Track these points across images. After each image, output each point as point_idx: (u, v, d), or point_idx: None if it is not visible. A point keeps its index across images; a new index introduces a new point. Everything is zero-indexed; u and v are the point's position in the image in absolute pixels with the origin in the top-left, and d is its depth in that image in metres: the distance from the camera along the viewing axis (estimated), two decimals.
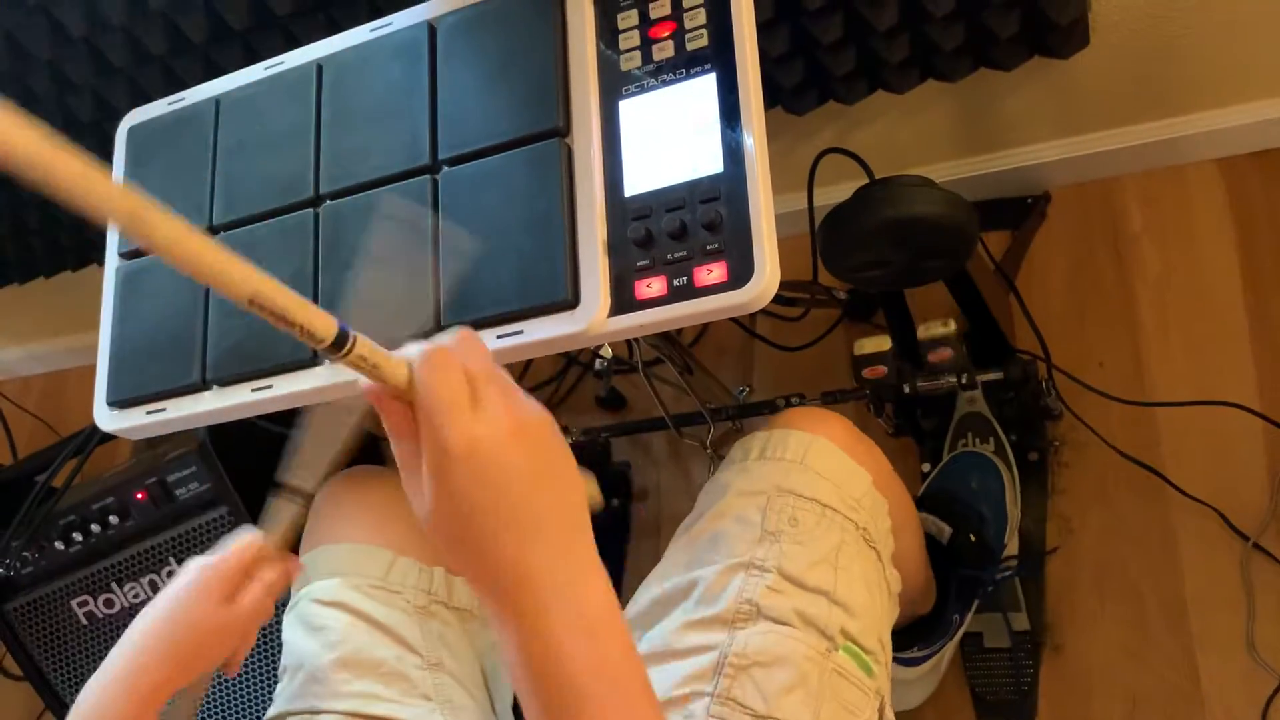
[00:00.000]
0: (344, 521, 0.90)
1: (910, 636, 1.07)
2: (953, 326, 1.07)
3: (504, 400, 0.51)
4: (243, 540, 0.74)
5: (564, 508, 0.53)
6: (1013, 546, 1.16)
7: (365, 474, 0.94)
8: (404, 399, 0.52)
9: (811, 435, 0.80)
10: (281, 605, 0.86)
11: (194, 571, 0.72)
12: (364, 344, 0.50)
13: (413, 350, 0.52)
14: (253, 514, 1.20)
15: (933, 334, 1.07)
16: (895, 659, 1.07)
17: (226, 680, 1.24)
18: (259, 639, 1.22)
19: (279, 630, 0.87)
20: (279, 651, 0.86)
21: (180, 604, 0.71)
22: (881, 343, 1.08)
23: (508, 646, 0.52)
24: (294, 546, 0.79)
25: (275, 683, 0.87)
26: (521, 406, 0.52)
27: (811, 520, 0.76)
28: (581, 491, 0.54)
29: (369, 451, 1.56)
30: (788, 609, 0.72)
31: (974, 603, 1.12)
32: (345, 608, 0.83)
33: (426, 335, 0.78)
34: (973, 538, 1.11)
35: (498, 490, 0.50)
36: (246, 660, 1.23)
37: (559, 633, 0.50)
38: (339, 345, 0.50)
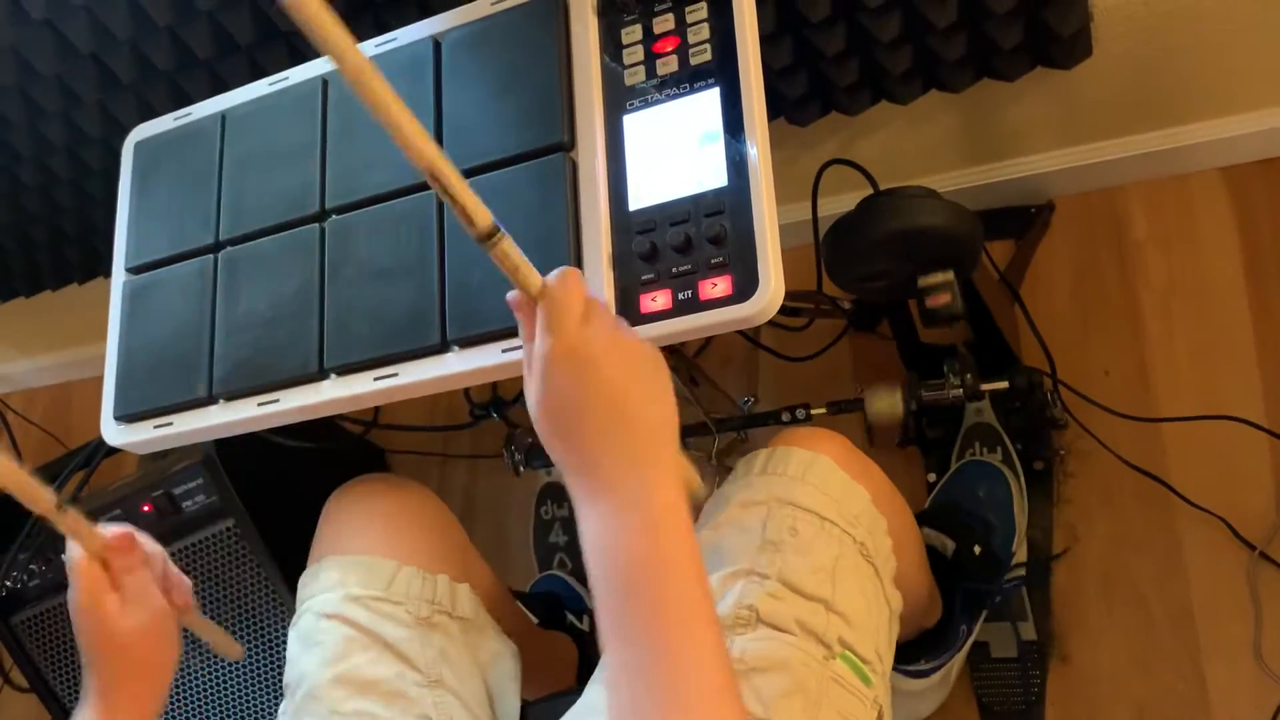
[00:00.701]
0: (348, 532, 0.90)
1: (918, 649, 1.07)
2: (951, 275, 1.04)
3: (609, 322, 0.61)
4: (71, 561, 0.73)
5: (646, 418, 0.60)
6: (1020, 555, 1.15)
7: (370, 483, 0.95)
8: (534, 303, 0.61)
9: (813, 453, 0.80)
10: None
11: (75, 618, 0.73)
12: (509, 243, 0.59)
13: (553, 272, 0.61)
14: (259, 525, 1.20)
15: (931, 281, 1.05)
16: (903, 671, 1.07)
17: (235, 696, 1.24)
18: (262, 655, 1.22)
19: (282, 648, 0.87)
20: (283, 666, 0.87)
21: (89, 648, 0.73)
22: (945, 275, 1.04)
23: (583, 529, 0.59)
24: (293, 544, 0.80)
25: (277, 700, 0.87)
26: (624, 332, 0.62)
27: (811, 531, 0.76)
28: (670, 410, 0.61)
29: (373, 461, 1.57)
30: (787, 616, 0.72)
31: (981, 614, 1.12)
32: (345, 621, 0.83)
33: (430, 350, 0.78)
34: (978, 549, 1.10)
35: (587, 390, 0.58)
36: (254, 675, 1.23)
37: (624, 520, 0.57)
38: (489, 235, 0.59)
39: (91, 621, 0.73)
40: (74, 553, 0.73)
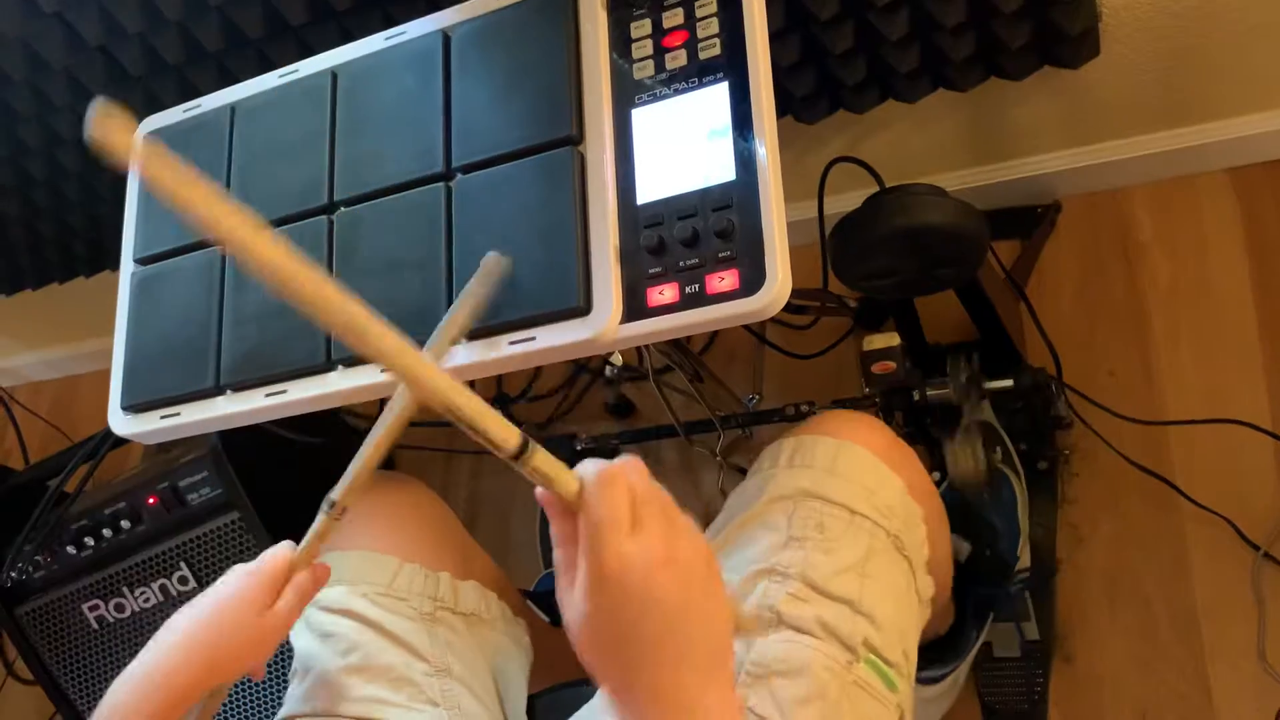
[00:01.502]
0: (350, 528, 0.90)
1: (928, 657, 1.06)
2: (896, 340, 1.06)
3: (662, 527, 0.54)
4: (279, 549, 0.75)
5: (706, 639, 0.54)
6: (1025, 558, 1.15)
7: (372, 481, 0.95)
8: (571, 509, 0.55)
9: (840, 441, 0.79)
10: None
11: (239, 577, 0.73)
12: (542, 455, 0.55)
13: (587, 467, 0.55)
14: (264, 519, 1.20)
15: (874, 346, 1.06)
16: (916, 678, 1.07)
17: (229, 700, 1.24)
18: None
19: (284, 641, 0.87)
20: (287, 655, 0.87)
21: (223, 609, 0.72)
22: (890, 338, 1.06)
23: None
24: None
25: (283, 686, 0.87)
26: (679, 535, 0.55)
27: (839, 527, 0.74)
28: (726, 625, 0.56)
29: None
30: (810, 617, 0.71)
31: (989, 617, 1.12)
32: (353, 615, 0.84)
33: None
34: (987, 552, 1.10)
35: (643, 614, 0.52)
36: (246, 682, 1.23)
37: None
38: (519, 453, 0.55)
39: (248, 595, 0.72)
40: (286, 548, 0.74)
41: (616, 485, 0.54)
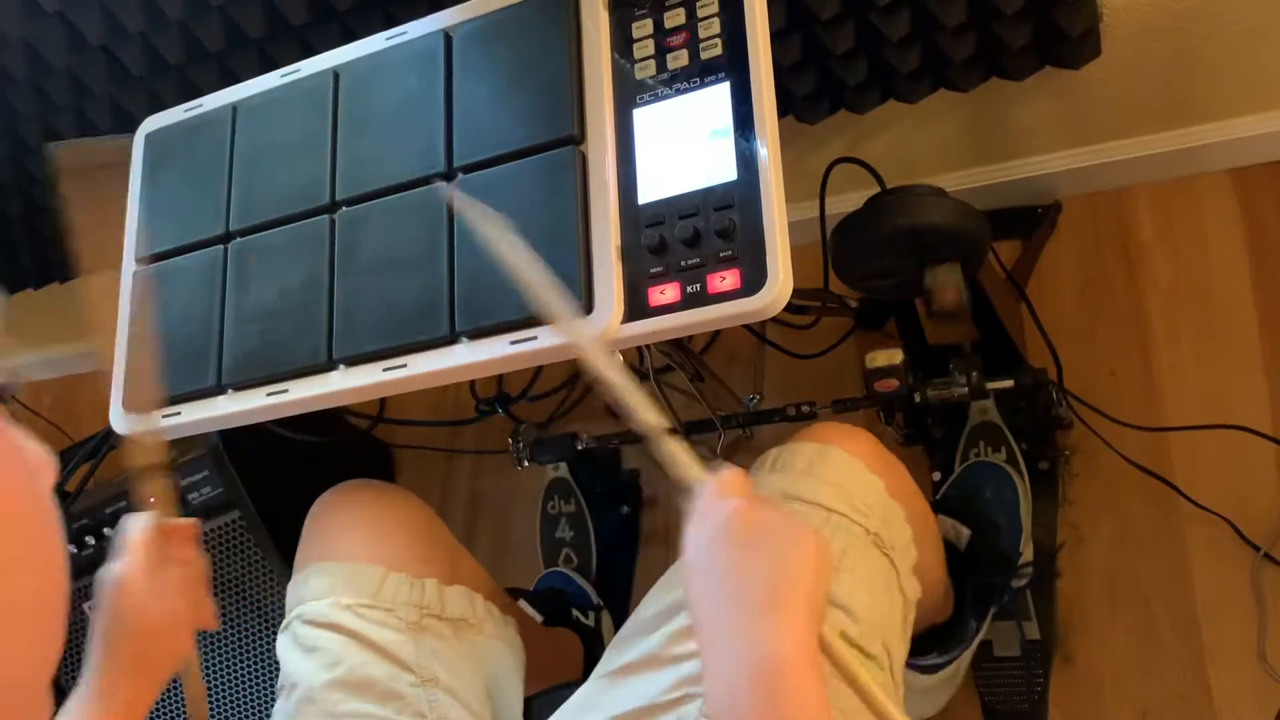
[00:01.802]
0: (335, 538, 0.90)
1: (927, 643, 1.07)
2: (899, 357, 1.07)
3: (764, 500, 0.64)
4: (131, 534, 0.75)
5: (791, 575, 0.58)
6: (1027, 555, 1.15)
7: (356, 489, 0.94)
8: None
9: (823, 446, 0.80)
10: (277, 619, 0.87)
11: (106, 589, 0.74)
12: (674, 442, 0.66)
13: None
14: (265, 518, 1.20)
15: (878, 363, 1.07)
16: (912, 666, 1.07)
17: (226, 698, 1.24)
18: (267, 646, 1.22)
19: (274, 648, 0.87)
20: (275, 670, 0.87)
21: (111, 623, 0.73)
22: (893, 355, 1.08)
23: (706, 685, 0.59)
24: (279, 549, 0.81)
25: (270, 701, 0.87)
26: (776, 509, 0.65)
27: (815, 524, 0.76)
28: (805, 573, 0.59)
29: (378, 456, 1.57)
30: None
31: (990, 611, 1.12)
32: (337, 628, 0.84)
33: (439, 341, 0.79)
34: (989, 543, 1.10)
35: (729, 551, 0.59)
36: (257, 668, 1.23)
37: (740, 677, 0.56)
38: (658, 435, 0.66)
39: (119, 597, 0.73)
40: (137, 524, 0.75)
41: (738, 474, 0.64)
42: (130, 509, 1.21)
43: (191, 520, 0.78)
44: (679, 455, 0.65)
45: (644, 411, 0.66)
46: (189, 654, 0.78)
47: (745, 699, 0.55)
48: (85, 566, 1.28)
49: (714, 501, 0.61)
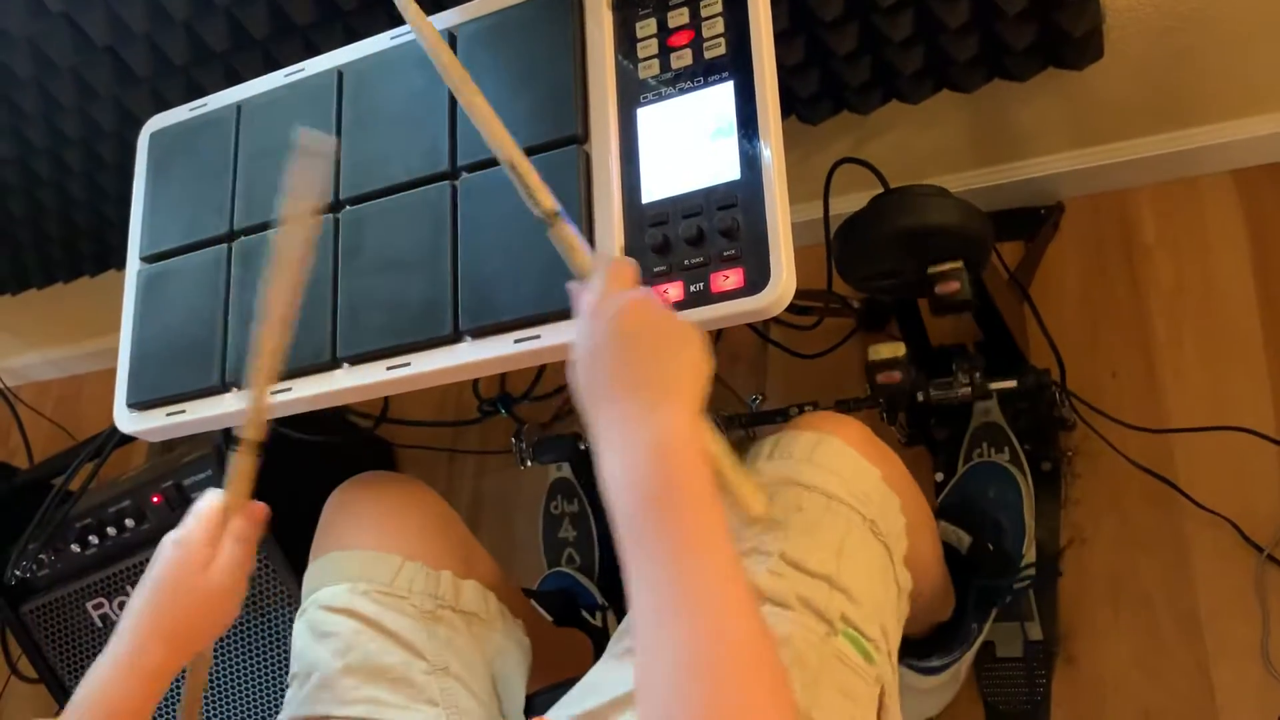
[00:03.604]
0: (352, 527, 0.90)
1: (929, 645, 1.07)
2: (902, 350, 1.07)
3: (647, 294, 0.66)
4: (203, 504, 0.77)
5: (666, 369, 0.63)
6: (1030, 556, 1.15)
7: (372, 480, 0.95)
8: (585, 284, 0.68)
9: (820, 434, 0.81)
10: (289, 602, 0.87)
11: (168, 549, 0.75)
12: (568, 226, 0.70)
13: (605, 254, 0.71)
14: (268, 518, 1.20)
15: (880, 356, 1.07)
16: (914, 668, 1.07)
17: (238, 684, 1.25)
18: (268, 644, 1.22)
19: (288, 635, 0.88)
20: (287, 655, 0.87)
21: (164, 583, 0.74)
22: (896, 348, 1.08)
23: (600, 465, 0.61)
24: (294, 537, 0.81)
25: (285, 687, 0.87)
26: (660, 303, 0.66)
27: (817, 509, 0.76)
28: (690, 367, 0.64)
29: (381, 455, 1.57)
30: (788, 592, 0.72)
31: (992, 612, 1.12)
32: (353, 614, 0.84)
33: (443, 340, 0.79)
34: (990, 547, 1.10)
35: (620, 340, 0.63)
36: (257, 666, 1.23)
37: (636, 452, 0.60)
38: (551, 218, 0.70)
39: (184, 559, 0.74)
40: (210, 495, 0.78)
41: (622, 262, 0.68)
42: (133, 509, 1.23)
43: (261, 505, 0.79)
44: (572, 242, 0.70)
45: (538, 192, 0.70)
46: (216, 635, 0.78)
47: (643, 474, 0.59)
48: (88, 565, 1.28)
49: (606, 293, 0.65)
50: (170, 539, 0.75)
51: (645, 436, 0.60)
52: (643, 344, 0.63)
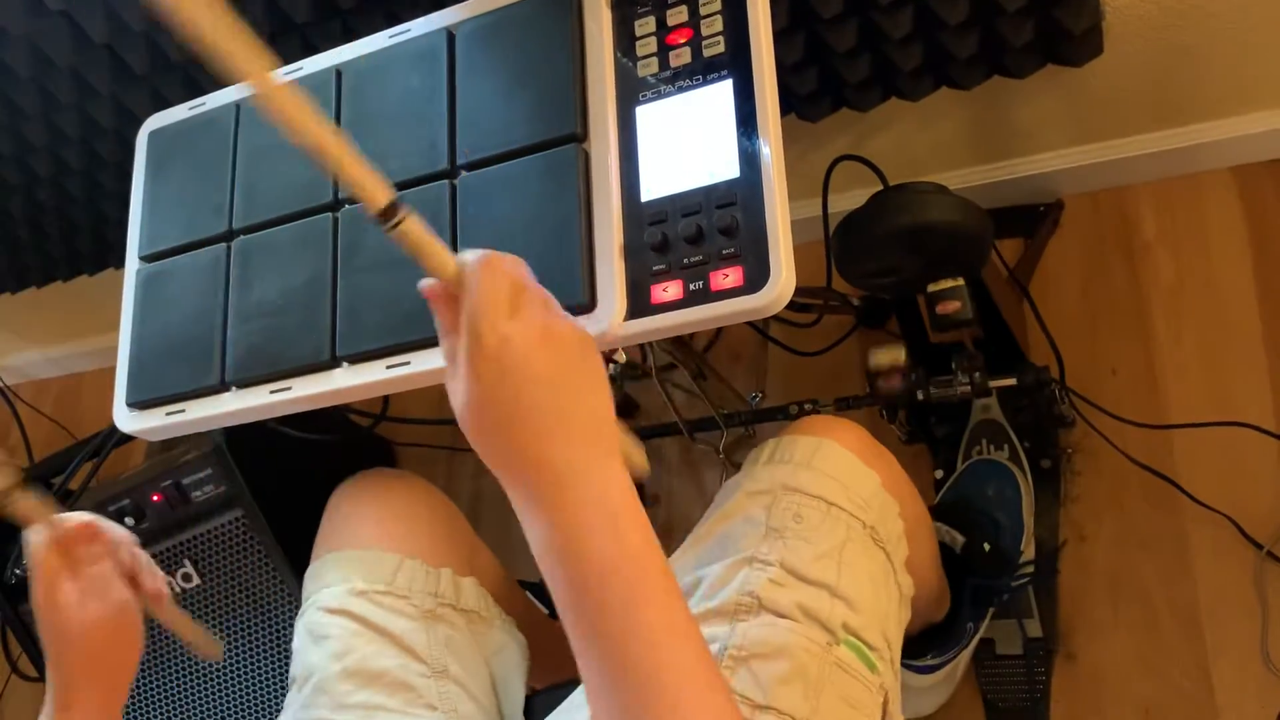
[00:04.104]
0: (352, 526, 0.90)
1: (924, 644, 1.07)
2: (902, 357, 1.07)
3: (541, 311, 0.56)
4: (29, 555, 0.73)
5: (586, 411, 0.56)
6: (1030, 553, 1.16)
7: (373, 478, 0.95)
8: (451, 294, 0.56)
9: (819, 439, 0.80)
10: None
11: (38, 612, 0.73)
12: (413, 221, 0.55)
13: (469, 254, 0.56)
14: (267, 516, 1.20)
15: (880, 362, 1.07)
16: (909, 666, 1.07)
17: (239, 688, 1.25)
18: (269, 645, 1.22)
19: (289, 638, 0.87)
20: (286, 659, 0.87)
21: (57, 634, 0.72)
22: (896, 355, 1.08)
23: (533, 536, 0.55)
24: (297, 538, 0.79)
25: (285, 691, 0.87)
26: (555, 318, 0.57)
27: (816, 517, 0.76)
28: (606, 403, 0.57)
29: (381, 454, 1.57)
30: (789, 602, 0.72)
31: (989, 611, 1.12)
32: (351, 615, 0.84)
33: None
34: (987, 546, 1.10)
35: (520, 387, 0.54)
36: (259, 667, 1.23)
37: (581, 519, 0.54)
38: (388, 215, 0.54)
39: (48, 613, 0.72)
40: (34, 540, 0.72)
41: (497, 269, 0.56)
42: (133, 508, 1.23)
43: (86, 517, 0.74)
44: (423, 241, 0.56)
45: (370, 183, 0.54)
46: (136, 654, 0.76)
47: (595, 546, 0.53)
48: None
49: (484, 313, 0.54)
50: (33, 603, 0.73)
51: (584, 498, 0.54)
52: (551, 385, 0.55)
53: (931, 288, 1.06)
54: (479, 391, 0.55)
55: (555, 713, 0.81)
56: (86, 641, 0.72)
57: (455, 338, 0.56)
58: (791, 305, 0.72)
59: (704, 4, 0.78)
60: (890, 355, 1.08)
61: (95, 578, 0.73)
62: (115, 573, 0.74)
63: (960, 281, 1.05)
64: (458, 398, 0.56)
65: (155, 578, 0.78)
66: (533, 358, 0.54)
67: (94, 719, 0.72)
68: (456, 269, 0.56)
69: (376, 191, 0.54)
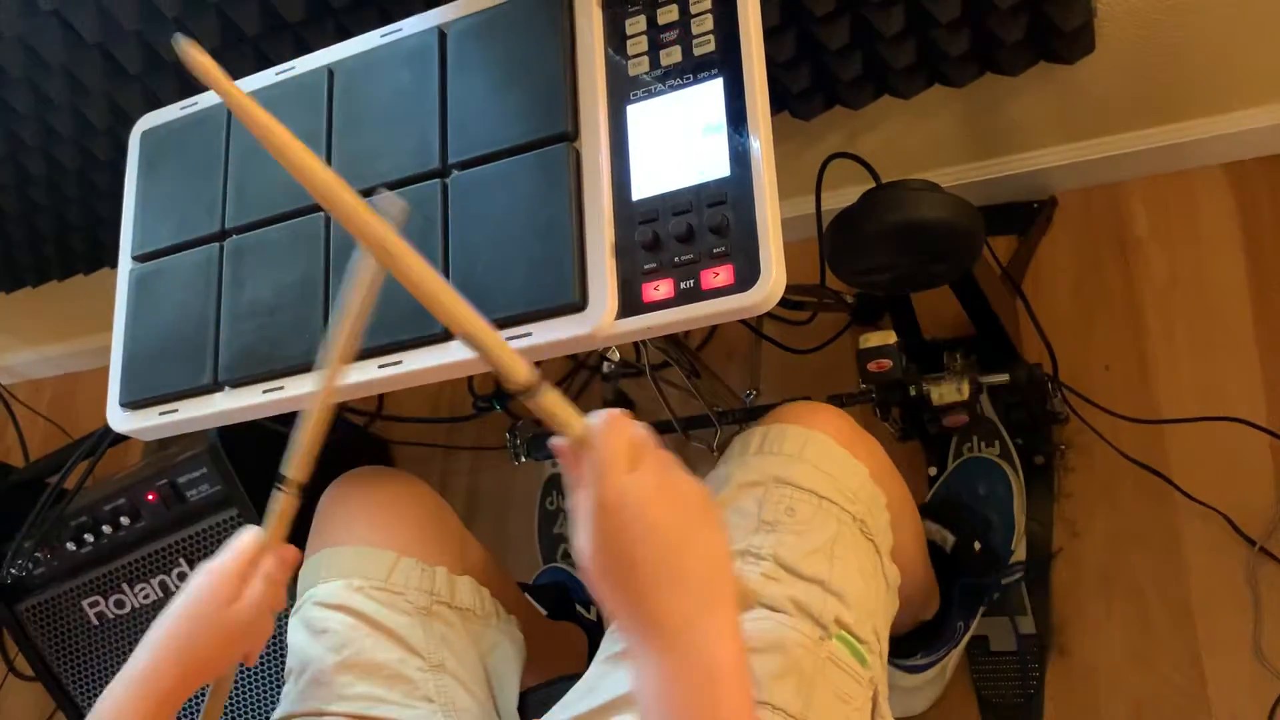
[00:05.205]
0: (348, 523, 0.90)
1: (914, 643, 1.07)
2: (892, 338, 1.07)
3: (658, 465, 0.59)
4: (242, 538, 0.76)
5: (701, 563, 0.58)
6: (1020, 552, 1.16)
7: (369, 475, 0.95)
8: (579, 451, 0.60)
9: (809, 430, 0.81)
10: (290, 600, 0.87)
11: (201, 576, 0.74)
12: (550, 393, 0.61)
13: (595, 415, 0.61)
14: (263, 515, 1.20)
15: (871, 344, 1.07)
16: (900, 665, 1.07)
17: (237, 686, 1.25)
18: (269, 647, 1.22)
19: (284, 632, 0.88)
20: (285, 653, 0.87)
21: (189, 609, 0.73)
22: (886, 336, 1.07)
23: (638, 678, 0.57)
24: (290, 535, 0.80)
25: (281, 683, 0.88)
26: (674, 474, 0.59)
27: (808, 511, 0.76)
28: (725, 557, 0.59)
29: (376, 453, 1.57)
30: (782, 596, 0.72)
31: (979, 610, 1.12)
32: (348, 610, 0.84)
33: (434, 338, 0.79)
34: (978, 545, 1.10)
35: (640, 542, 0.57)
36: (243, 674, 1.24)
37: (681, 673, 0.55)
38: (528, 389, 0.60)
39: (216, 587, 0.73)
40: (249, 532, 0.76)
41: (618, 427, 0.59)
42: (128, 507, 1.23)
43: (295, 549, 0.78)
44: (557, 407, 0.61)
45: (514, 363, 0.59)
46: (231, 670, 0.78)
47: (695, 702, 0.55)
48: (84, 563, 1.28)
49: (609, 468, 0.57)
50: (203, 567, 0.75)
51: (687, 653, 0.55)
52: (666, 538, 0.57)
53: (862, 344, 1.07)
54: (599, 542, 0.58)
55: (553, 710, 0.81)
56: (219, 633, 0.73)
57: (580, 492, 0.59)
58: (785, 303, 0.73)
59: (694, 3, 0.78)
60: (880, 337, 1.08)
61: (255, 592, 0.74)
62: (272, 604, 0.76)
63: (891, 339, 1.06)
64: (582, 543, 0.58)
65: (260, 641, 0.78)
66: (649, 510, 0.57)
67: (164, 699, 0.72)
68: (584, 428, 0.60)
69: (518, 369, 0.60)
